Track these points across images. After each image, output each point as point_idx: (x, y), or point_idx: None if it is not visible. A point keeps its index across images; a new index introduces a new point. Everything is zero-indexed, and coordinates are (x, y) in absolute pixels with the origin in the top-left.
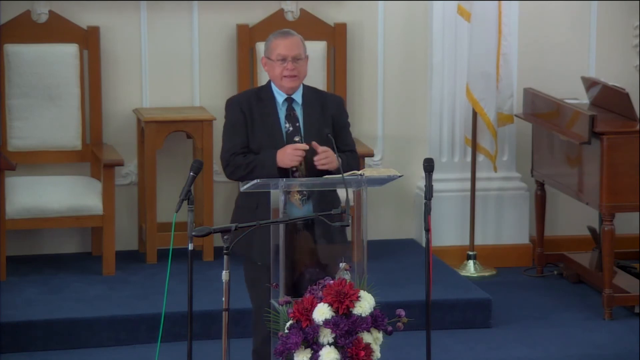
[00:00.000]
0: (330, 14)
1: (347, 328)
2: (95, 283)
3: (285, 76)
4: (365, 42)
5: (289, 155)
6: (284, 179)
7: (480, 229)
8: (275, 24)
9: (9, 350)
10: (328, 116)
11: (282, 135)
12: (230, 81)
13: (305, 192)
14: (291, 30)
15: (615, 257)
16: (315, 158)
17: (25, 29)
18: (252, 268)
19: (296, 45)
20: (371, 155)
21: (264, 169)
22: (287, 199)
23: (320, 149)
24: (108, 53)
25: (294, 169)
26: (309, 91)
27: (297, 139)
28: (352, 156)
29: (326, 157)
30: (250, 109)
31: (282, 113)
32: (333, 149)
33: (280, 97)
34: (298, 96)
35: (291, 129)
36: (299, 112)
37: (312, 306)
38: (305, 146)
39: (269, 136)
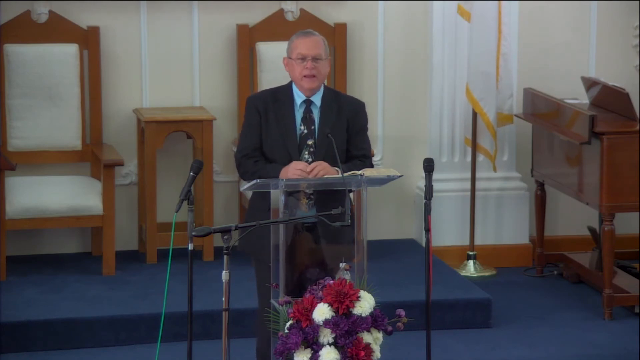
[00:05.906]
0: (330, 14)
1: (347, 328)
2: (95, 283)
3: (305, 76)
4: (365, 42)
5: (290, 172)
6: (284, 179)
7: (480, 229)
8: (275, 24)
9: (9, 350)
10: (343, 119)
11: (296, 138)
12: (230, 81)
13: (312, 197)
14: (313, 31)
15: (615, 257)
16: (307, 170)
17: (25, 29)
18: (261, 268)
19: (317, 45)
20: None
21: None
22: (294, 202)
23: (312, 165)
24: (108, 53)
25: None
26: (328, 93)
27: (310, 142)
28: (360, 163)
29: (316, 169)
30: (266, 109)
31: (298, 115)
32: (333, 149)
33: (299, 98)
34: (317, 98)
35: (306, 131)
36: (316, 114)
37: (312, 306)
38: (307, 166)
39: (282, 137)
